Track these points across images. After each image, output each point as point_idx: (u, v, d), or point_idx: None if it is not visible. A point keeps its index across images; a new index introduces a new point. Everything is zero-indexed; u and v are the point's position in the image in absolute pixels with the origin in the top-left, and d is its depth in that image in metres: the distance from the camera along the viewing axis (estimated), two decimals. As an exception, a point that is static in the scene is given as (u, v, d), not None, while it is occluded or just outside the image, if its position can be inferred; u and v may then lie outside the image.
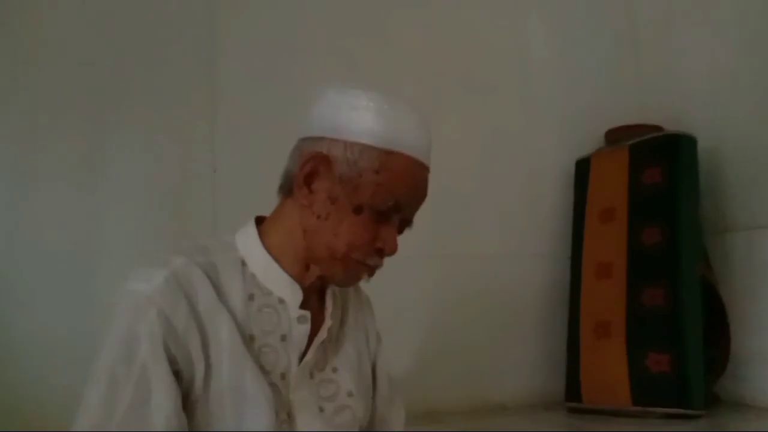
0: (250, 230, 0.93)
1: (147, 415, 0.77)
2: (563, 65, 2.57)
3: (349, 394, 0.95)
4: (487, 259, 2.30)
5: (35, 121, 1.88)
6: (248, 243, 0.92)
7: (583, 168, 2.43)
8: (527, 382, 2.33)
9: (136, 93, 1.99)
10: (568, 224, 2.41)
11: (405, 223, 0.94)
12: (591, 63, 2.60)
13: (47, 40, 1.93)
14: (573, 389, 2.18)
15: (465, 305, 2.23)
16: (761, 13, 2.16)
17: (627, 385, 2.02)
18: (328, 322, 0.95)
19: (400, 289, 2.03)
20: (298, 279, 0.91)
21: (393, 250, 0.90)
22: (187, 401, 0.81)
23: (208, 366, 0.82)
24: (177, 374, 0.80)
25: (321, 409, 0.91)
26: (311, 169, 0.88)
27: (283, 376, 0.88)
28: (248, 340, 0.86)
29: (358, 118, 0.87)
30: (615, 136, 2.41)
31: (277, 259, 0.91)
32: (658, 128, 2.32)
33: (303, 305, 0.91)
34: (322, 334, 0.93)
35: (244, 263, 0.90)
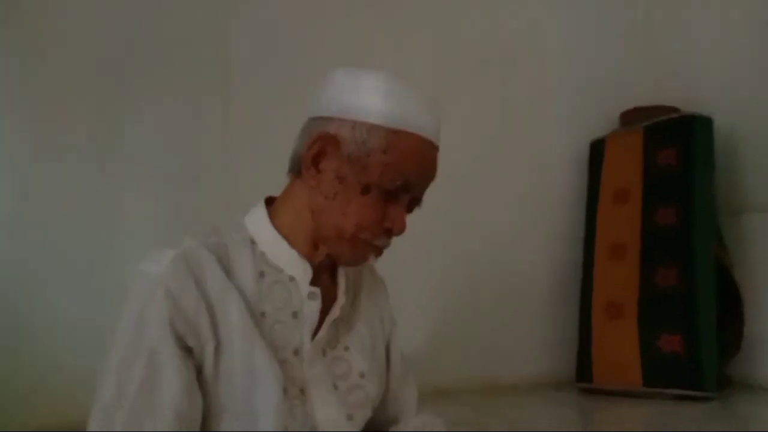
0: (260, 210, 0.94)
1: (157, 396, 0.78)
2: (578, 46, 2.55)
3: (361, 375, 0.96)
4: (500, 240, 2.31)
5: (51, 103, 1.89)
6: (258, 223, 0.92)
7: (597, 149, 2.42)
8: (539, 362, 2.34)
9: (152, 75, 2.00)
10: (582, 205, 2.41)
11: (414, 202, 0.93)
12: (606, 44, 2.57)
13: (64, 23, 1.94)
14: (584, 370, 2.19)
15: (478, 286, 2.24)
16: (779, -9, 2.12)
17: (638, 366, 2.03)
18: (340, 300, 0.95)
19: (414, 270, 2.05)
20: (307, 257, 0.91)
21: (401, 230, 0.90)
22: (200, 376, 0.82)
23: (218, 345, 0.82)
24: (189, 351, 0.81)
25: (335, 387, 0.92)
26: (319, 149, 0.87)
27: (296, 352, 0.89)
28: (259, 317, 0.87)
29: (366, 97, 0.86)
30: (630, 117, 2.39)
31: (286, 238, 0.91)
32: (673, 109, 2.30)
33: (314, 283, 0.91)
34: (335, 312, 0.94)
35: (253, 242, 0.91)
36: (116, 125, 1.97)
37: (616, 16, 2.61)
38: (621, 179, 2.28)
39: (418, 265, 2.09)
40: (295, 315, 0.90)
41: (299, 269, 0.91)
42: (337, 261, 0.94)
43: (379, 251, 0.92)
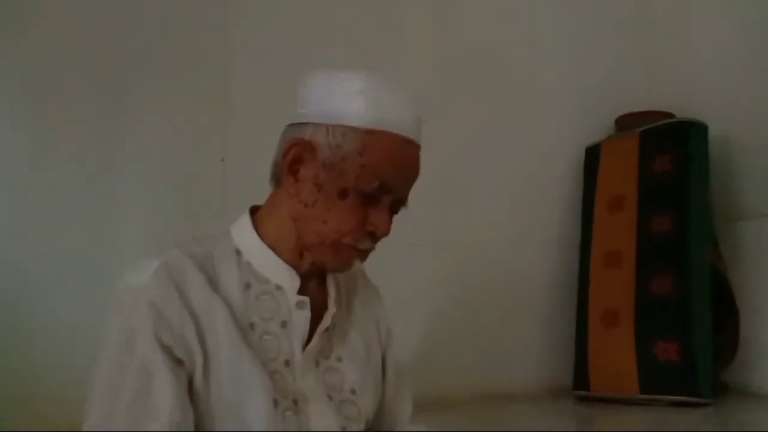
0: (245, 220, 0.93)
1: (150, 405, 0.77)
2: (573, 51, 2.55)
3: (353, 391, 0.94)
4: (495, 247, 2.30)
5: (46, 111, 1.89)
6: (243, 232, 0.92)
7: (592, 155, 2.42)
8: (535, 370, 2.33)
9: (147, 83, 1.99)
10: (577, 212, 2.40)
11: (399, 203, 0.91)
12: (601, 49, 2.57)
13: (60, 31, 1.93)
14: (581, 377, 2.19)
15: (473, 293, 2.24)
16: (774, -2, 2.13)
17: (635, 374, 2.02)
18: (331, 309, 0.94)
19: (409, 277, 2.04)
20: (293, 266, 0.91)
21: (385, 233, 0.88)
22: (191, 390, 0.81)
23: (206, 356, 0.82)
24: (180, 363, 0.80)
25: (330, 398, 0.91)
26: (295, 156, 0.86)
27: (287, 364, 0.88)
28: (247, 328, 0.86)
29: (339, 100, 0.85)
30: (625, 122, 2.39)
31: (272, 247, 0.90)
32: (669, 115, 2.30)
33: (302, 292, 0.91)
34: (326, 322, 0.93)
35: (239, 252, 0.90)
36: (115, 129, 1.96)
37: (612, 21, 2.61)
38: (616, 186, 2.28)
39: (412, 272, 2.09)
40: (283, 325, 0.89)
41: (286, 278, 0.90)
42: (323, 268, 0.92)
43: (364, 255, 0.91)
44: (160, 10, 2.03)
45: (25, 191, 1.88)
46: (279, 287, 0.90)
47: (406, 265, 2.06)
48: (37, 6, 1.92)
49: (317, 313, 0.92)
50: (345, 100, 0.84)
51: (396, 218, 0.92)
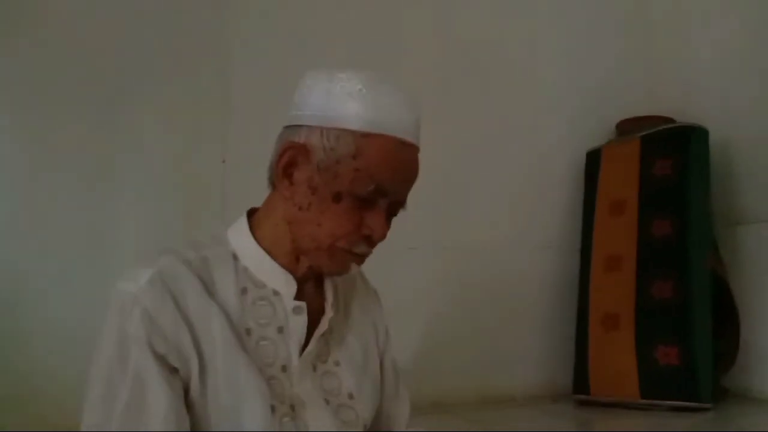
0: (242, 223, 0.92)
1: (144, 414, 0.77)
2: (574, 55, 2.55)
3: (350, 396, 0.93)
4: (495, 251, 2.30)
5: (43, 112, 1.88)
6: (240, 236, 0.91)
7: (593, 159, 2.42)
8: (535, 374, 2.33)
9: (146, 84, 1.99)
10: (578, 216, 2.40)
11: (397, 205, 0.89)
12: (602, 53, 2.57)
13: (58, 31, 1.93)
14: (581, 381, 2.18)
15: (473, 297, 2.23)
16: (775, 3, 2.13)
17: (635, 378, 2.02)
18: (328, 314, 0.93)
19: (409, 280, 2.04)
20: (290, 270, 0.90)
21: (381, 237, 0.87)
22: (187, 397, 0.80)
23: (202, 363, 0.81)
24: (175, 371, 0.80)
25: (327, 402, 0.90)
26: (289, 160, 0.85)
27: (284, 369, 0.87)
28: (244, 333, 0.85)
29: (333, 101, 0.83)
30: (626, 127, 2.39)
31: (268, 251, 0.89)
32: (669, 119, 2.30)
33: (299, 296, 0.90)
34: (323, 326, 0.92)
35: (235, 257, 0.89)
36: (115, 129, 1.95)
37: (613, 25, 2.61)
38: (617, 190, 2.28)
39: (411, 274, 2.09)
40: (280, 330, 0.88)
41: (282, 283, 0.89)
42: (320, 272, 0.91)
43: (360, 259, 0.90)
44: (160, 10, 2.02)
45: (24, 191, 1.87)
46: (276, 292, 0.89)
47: (406, 266, 2.06)
48: (37, 6, 1.92)
49: (314, 317, 0.91)
50: (344, 100, 0.83)
51: (395, 220, 0.91)
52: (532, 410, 2.13)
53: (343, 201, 0.84)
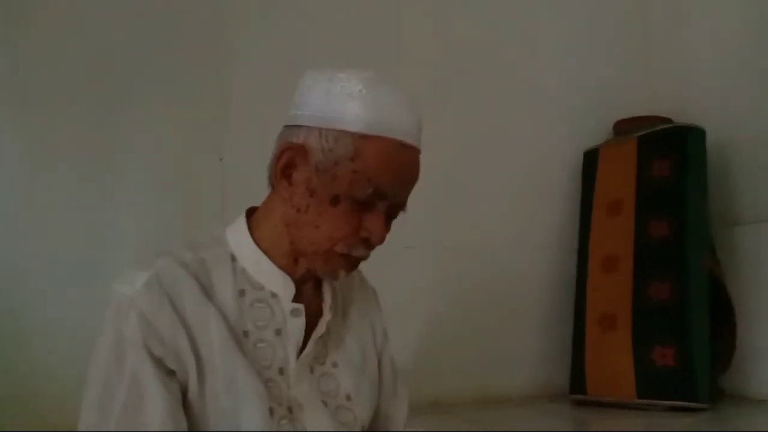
0: (240, 224, 0.91)
1: (141, 416, 0.76)
2: (572, 55, 2.55)
3: (348, 398, 0.93)
4: (493, 251, 2.30)
5: (43, 112, 1.89)
6: (238, 237, 0.89)
7: (591, 159, 2.43)
8: (532, 374, 2.34)
9: (145, 83, 1.99)
10: (575, 216, 2.41)
11: (397, 207, 0.88)
12: (600, 53, 2.58)
13: (56, 32, 1.93)
14: (578, 382, 2.19)
15: (471, 297, 2.24)
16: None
17: (632, 378, 2.02)
18: (326, 316, 0.92)
19: (406, 280, 2.04)
20: (289, 272, 0.89)
21: (380, 240, 0.85)
22: (185, 399, 0.80)
23: (200, 364, 0.80)
24: (172, 374, 0.79)
25: (325, 404, 0.90)
26: (287, 161, 0.84)
27: (281, 371, 0.86)
28: (242, 336, 0.84)
29: (333, 102, 0.82)
30: (624, 127, 2.40)
31: (267, 253, 0.88)
32: (667, 120, 2.31)
33: (297, 298, 0.89)
34: (321, 329, 0.91)
35: (233, 258, 0.88)
36: (115, 129, 1.95)
37: (611, 25, 2.62)
38: (614, 190, 2.28)
39: (410, 274, 2.09)
40: (278, 332, 0.87)
41: (281, 285, 0.88)
42: (315, 274, 0.90)
43: (356, 263, 0.89)
44: (160, 11, 2.02)
45: (24, 191, 1.87)
46: (274, 294, 0.88)
47: (405, 266, 2.06)
48: (37, 6, 1.92)
49: (312, 319, 0.90)
50: (344, 100, 0.82)
51: (394, 220, 0.90)
52: (530, 410, 2.14)
53: (341, 204, 0.83)
